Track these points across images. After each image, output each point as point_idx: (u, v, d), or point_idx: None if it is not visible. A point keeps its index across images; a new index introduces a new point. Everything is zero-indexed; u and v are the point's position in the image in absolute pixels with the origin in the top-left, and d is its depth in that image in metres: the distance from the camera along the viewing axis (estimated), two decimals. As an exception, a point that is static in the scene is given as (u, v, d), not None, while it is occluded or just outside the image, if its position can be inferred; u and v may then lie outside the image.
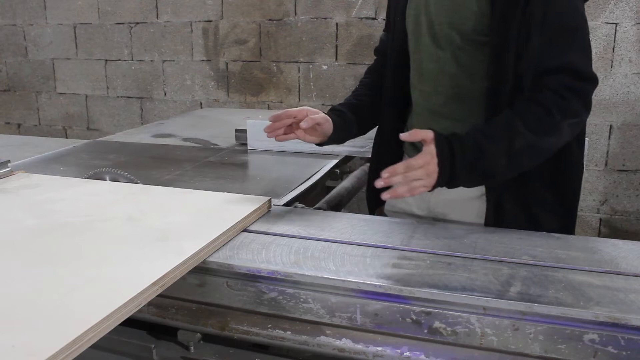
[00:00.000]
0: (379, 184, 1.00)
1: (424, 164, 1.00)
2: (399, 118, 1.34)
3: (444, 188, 1.08)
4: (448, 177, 1.01)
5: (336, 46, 2.97)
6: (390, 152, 1.34)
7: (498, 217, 1.16)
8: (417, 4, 1.23)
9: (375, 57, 1.46)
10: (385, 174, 0.99)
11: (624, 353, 0.76)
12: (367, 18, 2.89)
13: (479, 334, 0.82)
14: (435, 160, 1.00)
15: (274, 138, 1.23)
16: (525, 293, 0.81)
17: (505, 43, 1.08)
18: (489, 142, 1.03)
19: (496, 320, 0.81)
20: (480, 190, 1.19)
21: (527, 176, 1.13)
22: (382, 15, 2.85)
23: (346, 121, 1.32)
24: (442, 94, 1.21)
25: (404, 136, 1.04)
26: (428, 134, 1.02)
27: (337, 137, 1.31)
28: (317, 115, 1.23)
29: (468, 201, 1.21)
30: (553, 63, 1.06)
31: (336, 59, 2.99)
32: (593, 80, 1.10)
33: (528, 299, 0.80)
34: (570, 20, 1.08)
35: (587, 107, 1.10)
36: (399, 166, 1.00)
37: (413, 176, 1.00)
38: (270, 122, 1.22)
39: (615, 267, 0.90)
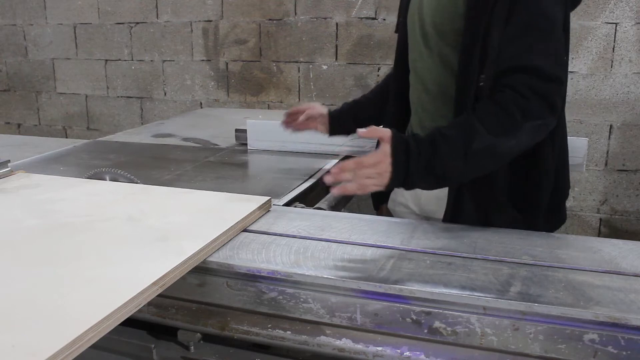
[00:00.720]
0: (327, 179, 1.00)
1: (376, 163, 0.98)
2: (402, 116, 1.36)
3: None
4: (402, 178, 0.99)
5: (336, 46, 2.97)
6: None
7: (455, 215, 1.16)
8: (414, 4, 1.26)
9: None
10: (335, 169, 0.99)
11: (624, 353, 0.76)
12: (367, 18, 2.89)
13: (479, 333, 0.82)
14: (388, 160, 0.98)
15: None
16: (525, 293, 0.81)
17: (474, 43, 1.08)
18: (446, 142, 1.00)
19: (496, 320, 0.81)
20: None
21: (489, 178, 1.11)
22: (382, 15, 2.85)
23: (342, 113, 1.51)
24: (430, 92, 1.24)
25: (361, 132, 1.02)
26: (385, 133, 1.01)
27: (336, 127, 1.52)
28: (314, 110, 1.49)
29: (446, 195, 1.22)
30: (514, 62, 1.04)
31: (336, 59, 2.99)
32: (558, 82, 1.05)
33: (528, 299, 0.80)
34: (535, 22, 1.05)
35: (551, 109, 1.05)
36: (350, 162, 0.99)
37: (363, 174, 0.98)
38: (285, 119, 1.52)
39: (615, 267, 0.90)
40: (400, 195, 1.38)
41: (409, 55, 1.31)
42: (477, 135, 1.00)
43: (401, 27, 1.34)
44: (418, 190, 1.23)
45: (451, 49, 1.16)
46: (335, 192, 0.99)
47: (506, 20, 1.05)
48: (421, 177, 1.00)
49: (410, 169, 0.99)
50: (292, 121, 1.53)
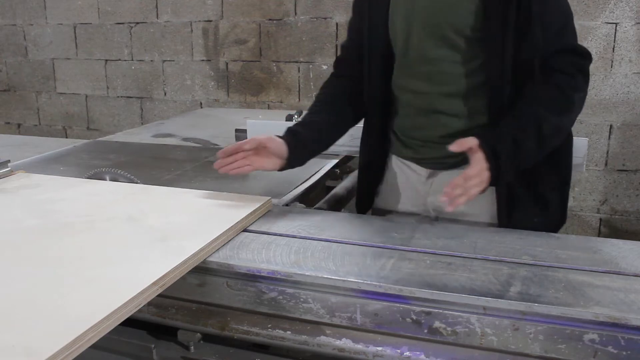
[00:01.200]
0: (443, 199, 1.03)
1: (478, 173, 1.05)
2: (385, 120, 1.36)
3: (441, 181, 1.20)
4: (496, 178, 1.07)
5: (336, 46, 2.97)
6: (378, 154, 1.38)
7: (510, 203, 1.20)
8: (405, 6, 1.24)
9: (332, 71, 1.42)
10: (449, 189, 1.03)
11: (624, 353, 0.76)
12: (367, 18, 2.88)
13: (479, 333, 0.82)
14: (486, 166, 1.06)
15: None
16: (525, 293, 0.81)
17: (502, 38, 1.13)
18: (525, 136, 1.10)
19: (496, 320, 0.81)
20: None
21: (535, 175, 1.20)
22: (382, 15, 2.84)
23: (300, 139, 1.25)
24: (440, 92, 1.23)
25: (453, 147, 1.07)
26: (474, 142, 1.07)
27: (295, 156, 1.23)
28: (261, 137, 1.21)
29: None
30: (555, 47, 1.14)
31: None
32: (589, 55, 1.18)
33: (528, 299, 0.80)
34: (563, 7, 1.16)
35: (587, 80, 1.18)
36: (458, 179, 1.03)
37: (471, 185, 1.04)
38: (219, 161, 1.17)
39: (615, 267, 0.90)
40: (393, 201, 1.37)
41: (398, 59, 1.28)
42: (545, 121, 1.11)
43: (380, 32, 1.29)
44: (421, 188, 1.29)
45: (468, 46, 1.17)
46: (449, 209, 1.03)
47: (542, 11, 1.12)
48: (509, 172, 1.09)
49: (502, 168, 1.07)
50: (227, 163, 1.18)
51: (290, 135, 1.25)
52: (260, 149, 1.20)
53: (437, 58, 1.21)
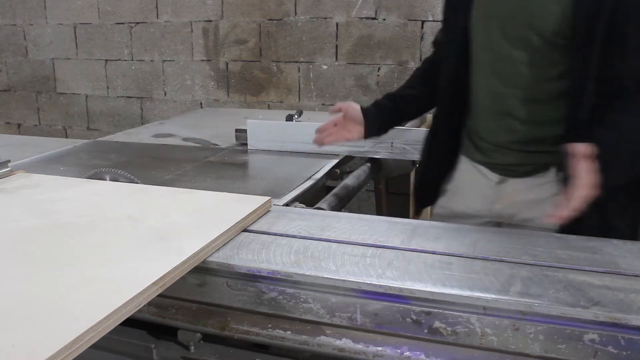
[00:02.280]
0: (553, 220, 0.98)
1: (592, 183, 1.01)
2: (455, 117, 1.32)
3: (510, 188, 1.22)
4: (605, 187, 1.02)
5: (336, 46, 2.97)
6: (443, 151, 1.36)
7: (575, 222, 1.12)
8: (486, 3, 1.20)
9: (433, 49, 1.46)
10: (564, 213, 0.98)
11: (624, 353, 0.76)
12: (367, 18, 2.88)
13: (479, 333, 0.82)
14: (596, 176, 1.00)
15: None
16: (525, 293, 0.81)
17: (591, 45, 1.06)
18: (628, 147, 1.06)
19: (496, 320, 0.81)
20: (553, 189, 1.18)
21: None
22: (383, 15, 2.85)
23: (378, 107, 1.39)
24: (517, 96, 1.18)
25: (565, 149, 1.02)
26: (582, 149, 1.01)
27: (371, 123, 1.38)
28: (342, 103, 1.37)
29: (540, 202, 1.21)
30: None
31: (336, 59, 2.99)
32: None
33: (528, 299, 0.80)
34: None
35: None
36: (576, 197, 0.99)
37: (585, 197, 0.99)
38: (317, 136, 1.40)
39: (615, 267, 0.90)
40: (460, 204, 1.34)
41: (475, 56, 1.25)
42: None
43: (460, 26, 1.26)
44: (490, 192, 1.27)
45: (550, 51, 1.12)
46: (561, 220, 0.99)
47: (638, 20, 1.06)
48: (616, 182, 1.06)
49: (608, 179, 1.01)
50: (324, 136, 1.41)
51: (370, 104, 1.39)
52: (345, 122, 1.38)
53: (514, 58, 1.16)
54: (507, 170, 1.25)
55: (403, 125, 1.71)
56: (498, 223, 1.30)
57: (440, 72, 1.32)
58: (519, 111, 1.19)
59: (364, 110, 1.38)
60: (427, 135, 1.41)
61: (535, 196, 1.22)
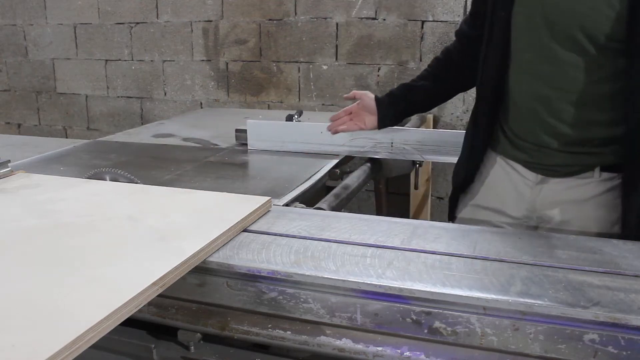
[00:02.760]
0: None
1: None
2: (495, 115, 1.31)
3: (552, 188, 1.21)
4: None
5: (336, 46, 2.97)
6: (479, 149, 1.35)
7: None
8: (531, 2, 1.17)
9: (455, 39, 1.45)
10: None
11: (624, 353, 0.76)
12: (367, 18, 2.89)
13: (479, 334, 0.82)
14: None
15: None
16: (525, 293, 0.81)
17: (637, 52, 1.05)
18: None
19: (496, 320, 0.81)
20: (595, 189, 1.19)
21: None
22: (382, 15, 2.85)
23: (391, 97, 1.41)
24: (564, 99, 1.16)
25: None
26: None
27: (383, 112, 1.42)
28: (357, 91, 1.42)
29: (581, 202, 1.20)
30: None
31: (336, 59, 2.99)
32: None
33: (528, 299, 0.80)
34: None
35: None
36: None
37: None
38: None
39: (615, 267, 0.90)
40: (496, 202, 1.32)
41: (516, 54, 1.22)
42: None
43: (502, 22, 1.22)
44: (528, 194, 1.25)
45: (601, 54, 1.10)
46: None
47: None
48: None
49: None
50: (337, 124, 1.45)
51: (384, 94, 1.41)
52: (359, 111, 1.40)
53: (561, 60, 1.14)
54: (549, 171, 1.22)
55: (419, 113, 1.77)
56: (535, 227, 1.27)
57: (479, 69, 1.30)
58: (565, 114, 1.16)
59: (378, 100, 1.39)
60: (467, 129, 1.39)
61: (576, 196, 1.21)
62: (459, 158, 1.41)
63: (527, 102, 1.22)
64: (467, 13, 1.42)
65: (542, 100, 1.19)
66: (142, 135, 2.22)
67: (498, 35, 1.24)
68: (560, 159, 1.21)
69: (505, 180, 1.30)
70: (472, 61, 1.33)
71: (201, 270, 0.93)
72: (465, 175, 1.37)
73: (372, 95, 1.39)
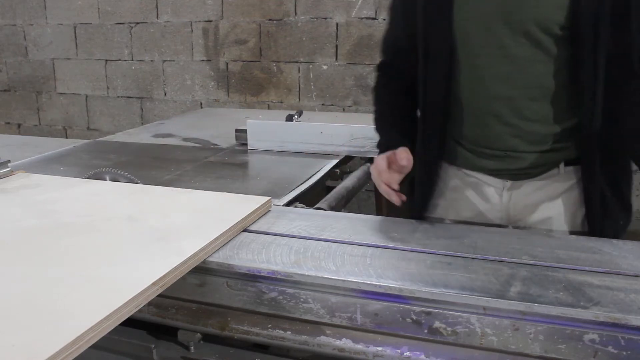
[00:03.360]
0: None
1: None
2: (444, 125, 1.24)
3: (524, 192, 1.20)
4: None
5: (336, 46, 2.97)
6: (435, 165, 1.27)
7: (602, 208, 1.15)
8: (482, 5, 1.13)
9: (378, 74, 1.35)
10: None
11: (624, 353, 0.76)
12: (367, 18, 2.89)
13: (479, 334, 0.82)
14: None
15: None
16: (525, 293, 0.81)
17: (595, 33, 1.05)
18: None
19: (496, 320, 0.81)
20: (562, 186, 1.20)
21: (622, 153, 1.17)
22: (382, 15, 2.85)
23: (402, 131, 1.27)
24: (525, 96, 1.14)
25: None
26: None
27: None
28: (389, 154, 1.14)
29: (553, 201, 1.21)
30: None
31: (336, 59, 2.99)
32: None
33: (528, 299, 0.80)
34: None
35: None
36: None
37: None
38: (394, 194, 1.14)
39: (615, 267, 0.90)
40: (467, 213, 1.27)
41: (465, 61, 1.17)
42: None
43: (442, 34, 1.16)
44: (498, 202, 1.23)
45: (554, 45, 1.09)
46: None
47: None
48: None
49: None
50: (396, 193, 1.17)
51: (396, 135, 1.24)
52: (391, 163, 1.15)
53: (520, 57, 1.11)
54: (517, 175, 1.20)
55: None
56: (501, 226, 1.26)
57: (419, 86, 1.22)
58: (528, 112, 1.14)
59: (400, 142, 1.20)
60: (418, 147, 1.26)
61: (546, 196, 1.20)
62: (411, 178, 1.27)
63: (487, 107, 1.18)
64: (392, 29, 1.31)
65: (503, 102, 1.16)
66: (142, 135, 2.22)
67: (438, 47, 1.17)
68: (529, 161, 1.18)
69: (471, 193, 1.26)
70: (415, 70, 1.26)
71: (201, 270, 0.93)
72: (424, 192, 1.28)
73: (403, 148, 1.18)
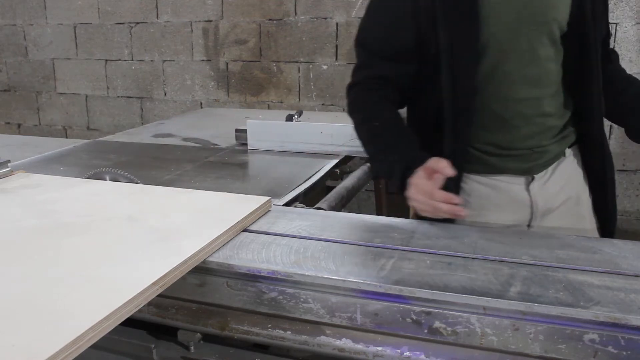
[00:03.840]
0: None
1: None
2: (469, 133, 1.20)
3: (545, 180, 1.26)
4: None
5: (336, 46, 2.97)
6: (460, 172, 1.18)
7: (613, 210, 1.30)
8: (512, 4, 1.13)
9: (375, 67, 1.28)
10: None
11: (624, 353, 0.76)
12: (367, 18, 2.88)
13: (479, 334, 0.82)
14: None
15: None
16: (525, 293, 0.81)
17: (594, 26, 1.18)
18: None
19: (496, 320, 0.81)
20: (569, 166, 1.30)
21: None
22: (382, 15, 2.84)
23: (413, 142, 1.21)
24: (547, 94, 1.21)
25: None
26: None
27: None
28: (438, 167, 1.05)
29: (568, 182, 1.29)
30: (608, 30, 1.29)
31: (336, 59, 2.99)
32: None
33: (528, 299, 0.80)
34: None
35: None
36: None
37: None
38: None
39: (615, 267, 0.90)
40: (495, 216, 1.25)
41: (506, 69, 1.16)
42: None
43: (473, 45, 1.13)
44: (523, 198, 1.26)
45: (562, 42, 1.19)
46: None
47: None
48: None
49: None
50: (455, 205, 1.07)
51: (414, 148, 1.17)
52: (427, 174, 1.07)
53: (544, 58, 1.17)
54: (540, 168, 1.25)
55: None
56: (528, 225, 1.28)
57: (445, 92, 1.16)
58: (549, 108, 1.22)
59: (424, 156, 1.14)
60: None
61: (561, 177, 1.28)
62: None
63: (515, 109, 1.19)
64: (383, 35, 1.25)
65: (530, 102, 1.19)
66: (142, 135, 2.22)
67: (466, 55, 1.14)
68: (552, 153, 1.26)
69: (498, 196, 1.25)
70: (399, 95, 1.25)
71: (201, 270, 0.93)
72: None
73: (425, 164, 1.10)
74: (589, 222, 1.31)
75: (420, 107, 1.29)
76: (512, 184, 1.26)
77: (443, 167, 1.01)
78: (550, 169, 1.27)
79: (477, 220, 1.24)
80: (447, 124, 1.17)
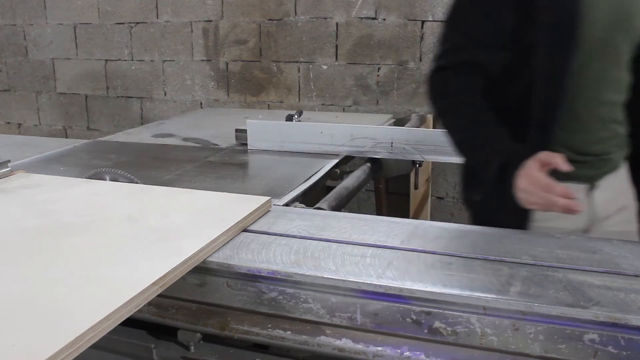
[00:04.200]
0: None
1: None
2: (554, 133, 1.16)
3: (603, 187, 1.23)
4: None
5: (336, 46, 2.97)
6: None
7: None
8: (609, 4, 1.11)
9: (464, 51, 1.20)
10: None
11: (624, 353, 0.76)
12: (367, 18, 2.88)
13: (479, 333, 0.82)
14: None
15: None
16: (525, 293, 0.81)
17: None
18: None
19: (496, 320, 0.81)
20: (620, 177, 1.28)
21: None
22: (382, 15, 2.84)
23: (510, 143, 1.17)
24: (621, 101, 1.21)
25: None
26: None
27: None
28: (553, 160, 1.03)
29: (620, 191, 1.29)
30: None
31: (336, 59, 2.99)
32: None
33: (528, 299, 0.80)
34: None
35: None
36: None
37: None
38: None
39: (615, 267, 0.90)
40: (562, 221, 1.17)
41: (588, 67, 1.13)
42: None
43: (570, 39, 1.09)
44: (586, 206, 1.21)
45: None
46: None
47: None
48: None
49: None
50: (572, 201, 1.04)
51: (515, 145, 1.14)
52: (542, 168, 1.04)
53: (625, 64, 1.17)
54: (596, 177, 1.22)
55: None
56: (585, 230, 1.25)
57: (536, 89, 1.13)
58: (620, 115, 1.21)
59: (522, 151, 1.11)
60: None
61: (613, 187, 1.26)
62: (497, 206, 1.17)
63: (594, 112, 1.17)
64: (469, 43, 1.19)
65: (609, 106, 1.18)
66: (142, 135, 2.22)
67: (562, 49, 1.10)
68: (613, 162, 1.23)
69: None
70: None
71: (201, 270, 0.93)
72: (521, 212, 1.14)
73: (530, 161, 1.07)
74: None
75: (499, 99, 1.20)
76: (575, 192, 1.16)
77: (559, 161, 0.98)
78: (609, 177, 1.25)
79: (538, 226, 1.20)
80: (535, 116, 1.13)
